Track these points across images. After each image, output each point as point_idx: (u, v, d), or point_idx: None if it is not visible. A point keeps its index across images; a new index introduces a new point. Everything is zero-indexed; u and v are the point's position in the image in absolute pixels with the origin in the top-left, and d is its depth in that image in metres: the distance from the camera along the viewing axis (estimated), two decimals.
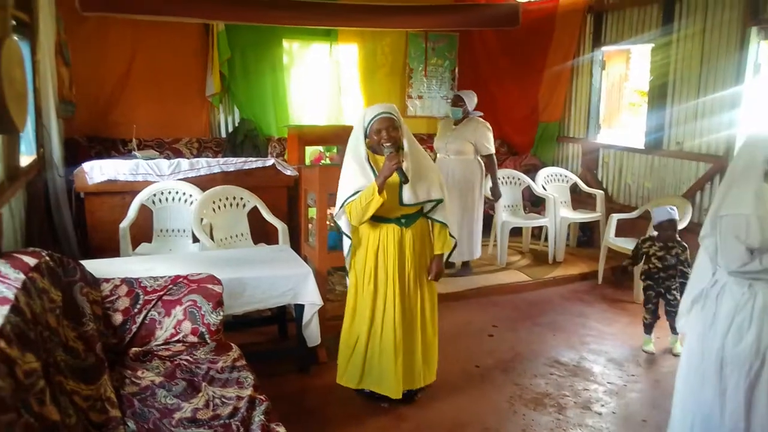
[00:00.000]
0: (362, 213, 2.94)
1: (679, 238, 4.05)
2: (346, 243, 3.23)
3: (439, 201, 3.10)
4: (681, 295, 4.01)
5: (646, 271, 4.11)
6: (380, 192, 2.87)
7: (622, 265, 4.42)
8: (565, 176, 6.33)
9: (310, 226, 4.11)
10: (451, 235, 3.20)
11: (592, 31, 6.48)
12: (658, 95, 5.68)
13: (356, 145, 3.07)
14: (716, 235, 2.33)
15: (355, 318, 3.23)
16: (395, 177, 2.92)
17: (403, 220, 3.10)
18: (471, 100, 5.20)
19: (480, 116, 5.20)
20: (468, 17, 6.89)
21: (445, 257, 3.26)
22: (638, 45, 6.09)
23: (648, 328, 4.13)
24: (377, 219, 3.06)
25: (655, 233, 4.11)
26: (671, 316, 4.01)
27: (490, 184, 5.25)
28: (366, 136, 3.05)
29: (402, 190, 2.99)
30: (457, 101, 5.20)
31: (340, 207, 3.06)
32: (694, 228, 4.18)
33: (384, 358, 3.14)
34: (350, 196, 2.98)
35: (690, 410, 2.47)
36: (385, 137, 2.94)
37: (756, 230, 2.19)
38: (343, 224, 3.18)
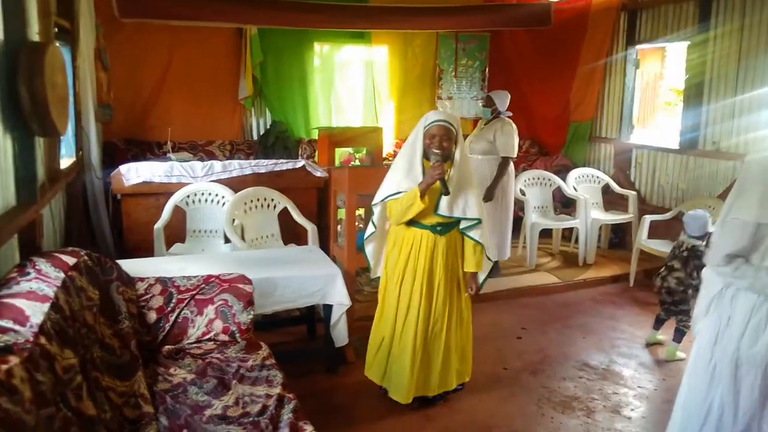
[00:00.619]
0: (402, 213, 3.00)
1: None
2: (370, 229, 3.28)
3: (477, 221, 3.08)
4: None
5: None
6: (422, 197, 2.91)
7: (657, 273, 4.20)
8: (597, 177, 6.25)
9: (339, 227, 4.15)
10: (488, 258, 3.19)
11: (626, 29, 6.38)
12: (694, 94, 5.57)
13: (413, 144, 3.09)
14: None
15: (383, 316, 3.27)
16: (437, 185, 2.95)
17: (438, 228, 3.10)
18: (503, 100, 5.16)
19: (508, 116, 5.17)
20: (499, 17, 6.87)
21: (481, 279, 3.25)
22: (673, 43, 5.97)
23: (679, 337, 4.02)
24: (413, 223, 3.09)
25: (697, 243, 3.94)
26: (681, 322, 4.00)
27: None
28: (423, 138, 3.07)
29: (440, 200, 3.02)
30: (488, 102, 5.19)
31: (381, 200, 3.11)
32: None
33: (400, 362, 3.16)
34: (392, 194, 3.03)
35: (696, 412, 2.46)
36: (436, 144, 2.97)
37: (746, 237, 2.21)
38: (376, 213, 3.24)
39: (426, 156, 3.06)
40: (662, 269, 4.08)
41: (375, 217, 3.26)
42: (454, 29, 7.30)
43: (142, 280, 2.85)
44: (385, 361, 3.24)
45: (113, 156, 5.44)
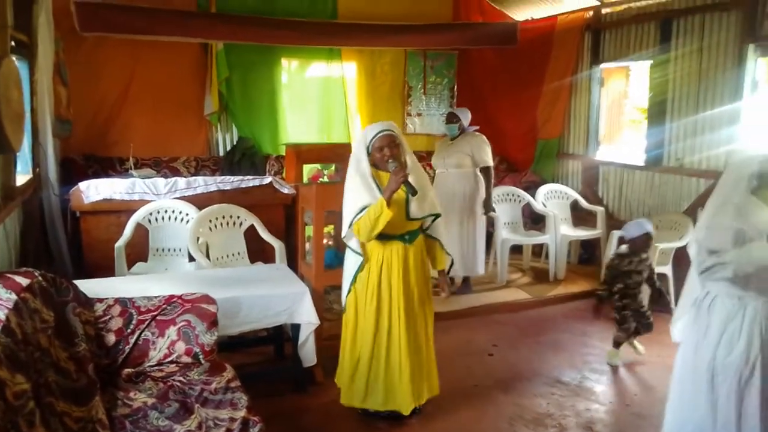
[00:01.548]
0: (371, 228, 2.93)
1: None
2: (356, 261, 3.14)
3: (437, 215, 3.16)
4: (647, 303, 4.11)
5: (622, 290, 4.04)
6: (388, 206, 2.87)
7: (598, 296, 4.15)
8: (566, 193, 6.31)
9: (307, 244, 4.08)
10: (447, 253, 3.25)
11: (591, 48, 6.50)
12: (657, 112, 5.68)
13: (359, 162, 3.06)
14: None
15: (356, 338, 3.18)
16: (400, 194, 2.94)
17: (407, 237, 3.09)
18: (465, 116, 5.23)
19: (476, 130, 5.21)
20: (466, 36, 6.96)
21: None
22: (637, 62, 6.10)
23: (619, 345, 4.11)
24: (382, 237, 3.04)
25: (623, 248, 4.10)
26: (646, 327, 4.05)
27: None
28: (368, 154, 3.05)
29: (408, 205, 3.01)
30: (452, 118, 5.23)
31: (349, 227, 3.02)
32: None
33: (391, 375, 3.11)
34: (358, 213, 2.97)
35: (682, 420, 2.48)
36: (387, 154, 2.98)
37: (727, 239, 2.25)
38: (353, 244, 3.13)
39: (378, 169, 3.06)
40: (620, 299, 4.06)
41: (355, 247, 3.13)
42: (422, 47, 7.34)
43: (100, 300, 2.73)
44: (365, 382, 3.15)
45: (72, 172, 5.26)
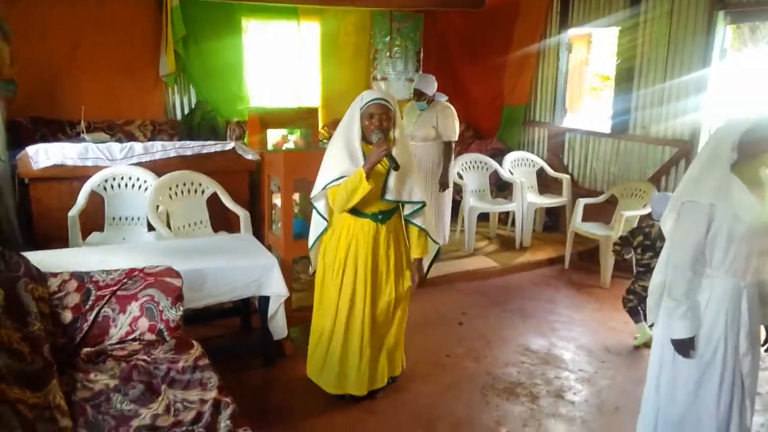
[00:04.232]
0: (347, 199, 2.80)
1: None
2: (320, 225, 3.05)
3: (422, 205, 2.99)
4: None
5: (642, 242, 3.90)
6: (367, 178, 2.73)
7: (616, 249, 4.08)
8: (532, 161, 6.28)
9: (273, 213, 3.93)
10: (435, 241, 3.11)
11: (559, 13, 6.40)
12: (625, 79, 5.65)
13: (350, 126, 2.91)
14: (676, 221, 2.33)
15: (321, 309, 3.11)
16: (381, 168, 2.81)
17: (380, 216, 2.96)
18: (430, 85, 5.12)
19: (446, 100, 5.10)
20: None
21: (428, 261, 3.18)
22: (604, 28, 6.03)
23: (638, 314, 3.96)
24: (354, 212, 2.92)
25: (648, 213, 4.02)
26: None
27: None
28: (360, 118, 2.89)
29: (387, 184, 2.88)
30: (418, 96, 5.12)
31: (322, 189, 2.90)
32: None
33: (349, 355, 3.03)
34: (334, 180, 2.83)
35: (652, 399, 2.49)
36: (375, 123, 2.83)
37: (702, 225, 2.18)
38: (320, 206, 3.02)
39: (365, 138, 2.90)
40: (642, 252, 3.94)
41: (322, 210, 3.02)
42: (386, 7, 7.10)
43: (54, 275, 2.56)
44: (323, 358, 3.08)
45: (19, 136, 4.94)
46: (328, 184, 2.86)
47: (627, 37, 5.60)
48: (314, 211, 3.06)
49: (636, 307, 3.95)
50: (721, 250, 2.20)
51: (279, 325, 3.35)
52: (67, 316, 2.49)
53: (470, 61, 7.35)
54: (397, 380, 3.31)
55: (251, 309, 3.77)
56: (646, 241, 3.90)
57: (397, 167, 2.78)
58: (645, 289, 3.87)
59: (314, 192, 2.97)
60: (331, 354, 3.06)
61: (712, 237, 2.21)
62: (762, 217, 2.16)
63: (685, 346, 2.27)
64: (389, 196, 2.89)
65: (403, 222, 3.07)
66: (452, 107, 5.07)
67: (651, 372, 2.50)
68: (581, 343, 3.98)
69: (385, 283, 3.02)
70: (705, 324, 2.25)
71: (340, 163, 2.84)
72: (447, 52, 7.59)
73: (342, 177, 2.81)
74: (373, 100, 2.86)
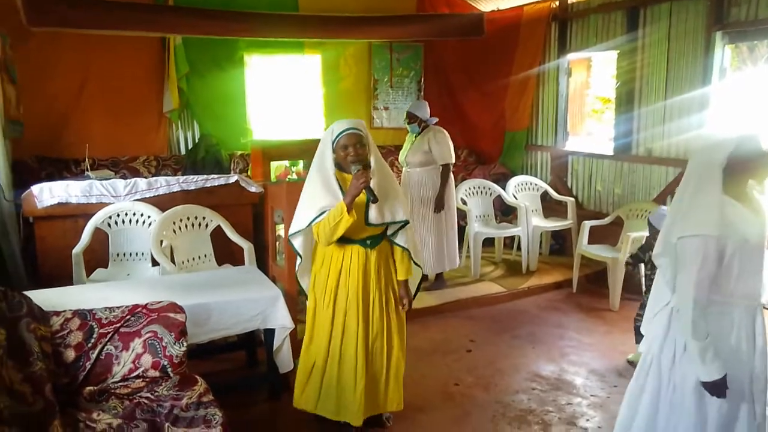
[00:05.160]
0: (331, 233, 2.77)
1: None
2: (297, 261, 3.05)
3: (405, 223, 2.94)
4: None
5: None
6: (348, 211, 2.71)
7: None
8: (536, 184, 6.28)
9: (277, 244, 3.92)
10: (416, 264, 3.03)
11: (558, 38, 6.47)
12: (625, 101, 5.68)
13: (322, 161, 2.89)
14: (672, 257, 2.20)
15: (313, 341, 3.04)
16: (363, 196, 2.77)
17: (368, 242, 2.93)
18: (423, 110, 5.11)
19: (435, 123, 5.09)
20: (432, 27, 6.85)
21: (414, 285, 3.12)
22: (603, 52, 6.08)
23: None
24: (342, 240, 2.88)
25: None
26: None
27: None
28: (333, 152, 2.88)
29: (368, 209, 2.84)
30: (411, 119, 5.12)
31: (306, 226, 2.86)
32: None
33: (343, 384, 2.96)
34: (317, 217, 2.80)
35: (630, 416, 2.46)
36: (352, 154, 2.78)
37: (711, 257, 2.07)
38: (297, 243, 2.99)
39: (340, 167, 2.88)
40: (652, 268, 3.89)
41: (298, 247, 3.00)
42: (386, 39, 7.20)
43: (57, 314, 2.54)
44: (318, 388, 3.01)
45: (24, 176, 4.98)
46: (313, 220, 2.82)
47: (626, 60, 5.65)
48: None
49: None
50: (735, 276, 2.12)
51: (285, 358, 3.32)
52: (70, 354, 2.46)
53: (471, 88, 7.43)
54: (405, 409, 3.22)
55: (257, 342, 3.73)
56: None
57: (375, 200, 2.75)
58: None
59: (292, 230, 2.94)
60: (327, 383, 2.99)
61: (726, 266, 2.11)
62: (761, 229, 2.13)
63: (719, 387, 2.13)
64: (373, 221, 2.86)
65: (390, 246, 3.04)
66: (444, 130, 5.05)
67: (662, 416, 2.32)
68: (593, 368, 3.91)
69: (376, 309, 2.96)
70: (726, 356, 2.14)
71: (320, 198, 2.82)
72: (447, 79, 7.66)
73: (323, 212, 2.78)
74: (344, 131, 2.82)
